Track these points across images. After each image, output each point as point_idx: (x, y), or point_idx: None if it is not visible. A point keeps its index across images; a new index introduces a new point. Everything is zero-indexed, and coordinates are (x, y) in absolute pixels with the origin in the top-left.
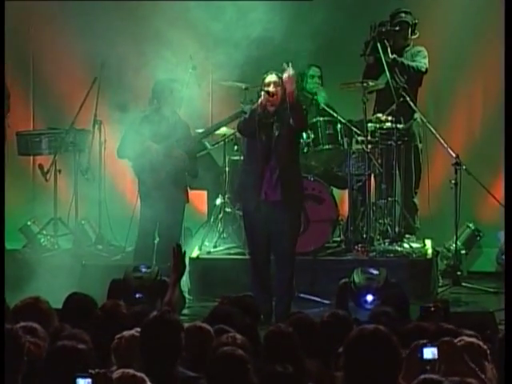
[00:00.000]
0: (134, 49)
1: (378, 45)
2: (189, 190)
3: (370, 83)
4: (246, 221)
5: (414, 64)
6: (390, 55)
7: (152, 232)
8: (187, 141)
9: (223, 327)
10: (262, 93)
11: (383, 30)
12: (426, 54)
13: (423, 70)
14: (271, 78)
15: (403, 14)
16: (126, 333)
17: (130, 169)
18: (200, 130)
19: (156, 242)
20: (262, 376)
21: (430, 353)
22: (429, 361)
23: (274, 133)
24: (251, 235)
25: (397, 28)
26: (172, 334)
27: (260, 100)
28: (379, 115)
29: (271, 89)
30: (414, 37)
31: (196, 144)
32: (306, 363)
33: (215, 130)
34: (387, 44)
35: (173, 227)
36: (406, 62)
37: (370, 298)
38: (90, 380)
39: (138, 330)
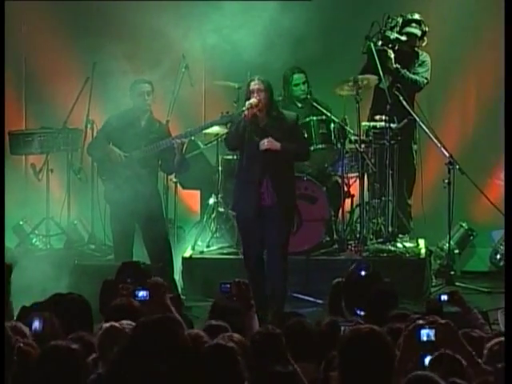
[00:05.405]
0: (127, 48)
1: (382, 52)
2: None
3: (364, 81)
4: (242, 226)
5: (414, 77)
6: (394, 64)
7: (129, 232)
8: (161, 141)
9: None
10: (246, 104)
11: (390, 37)
12: (429, 64)
13: (422, 86)
14: (253, 84)
15: (414, 25)
16: (108, 325)
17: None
18: (189, 129)
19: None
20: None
21: (427, 335)
22: (426, 342)
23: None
24: (246, 239)
25: (404, 38)
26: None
27: (244, 113)
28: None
29: (253, 100)
30: (423, 44)
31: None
32: (293, 364)
33: (193, 134)
34: (391, 55)
35: (155, 227)
36: (406, 75)
37: None
38: (146, 292)
39: (123, 322)
